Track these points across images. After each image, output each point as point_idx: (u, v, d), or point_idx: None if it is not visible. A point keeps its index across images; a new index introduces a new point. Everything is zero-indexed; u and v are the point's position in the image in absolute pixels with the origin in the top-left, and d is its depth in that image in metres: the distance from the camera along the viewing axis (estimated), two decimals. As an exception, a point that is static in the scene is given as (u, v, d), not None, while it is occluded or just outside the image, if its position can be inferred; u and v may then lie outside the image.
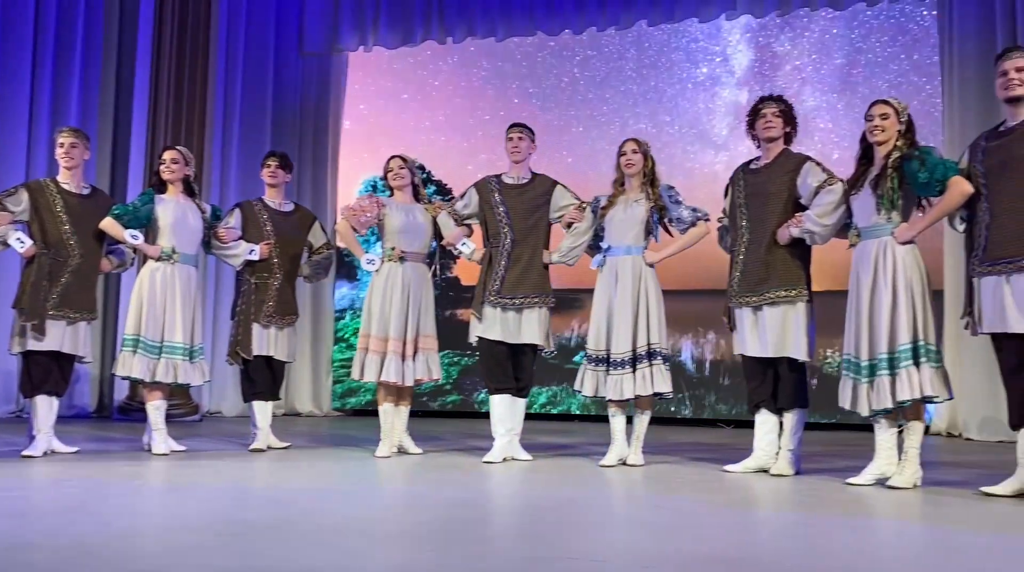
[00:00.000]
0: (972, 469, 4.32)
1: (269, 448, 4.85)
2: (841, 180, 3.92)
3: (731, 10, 7.17)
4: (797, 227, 3.95)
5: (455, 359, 7.69)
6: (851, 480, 3.69)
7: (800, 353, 3.97)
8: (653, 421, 4.46)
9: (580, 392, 4.36)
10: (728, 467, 4.13)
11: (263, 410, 4.88)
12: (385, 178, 4.85)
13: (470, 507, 3.21)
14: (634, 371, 4.23)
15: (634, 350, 4.24)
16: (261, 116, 7.88)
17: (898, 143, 3.69)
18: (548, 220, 4.63)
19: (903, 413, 3.63)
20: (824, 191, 3.92)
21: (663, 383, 4.22)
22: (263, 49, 7.95)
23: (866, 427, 3.94)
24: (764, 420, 4.11)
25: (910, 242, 3.64)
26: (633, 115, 7.64)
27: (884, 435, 3.68)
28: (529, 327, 4.49)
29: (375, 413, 4.78)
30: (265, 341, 4.84)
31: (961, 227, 3.66)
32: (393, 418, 4.65)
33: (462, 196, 4.77)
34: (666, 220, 4.40)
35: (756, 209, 4.10)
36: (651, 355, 4.24)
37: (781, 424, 4.07)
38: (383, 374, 4.52)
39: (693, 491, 3.56)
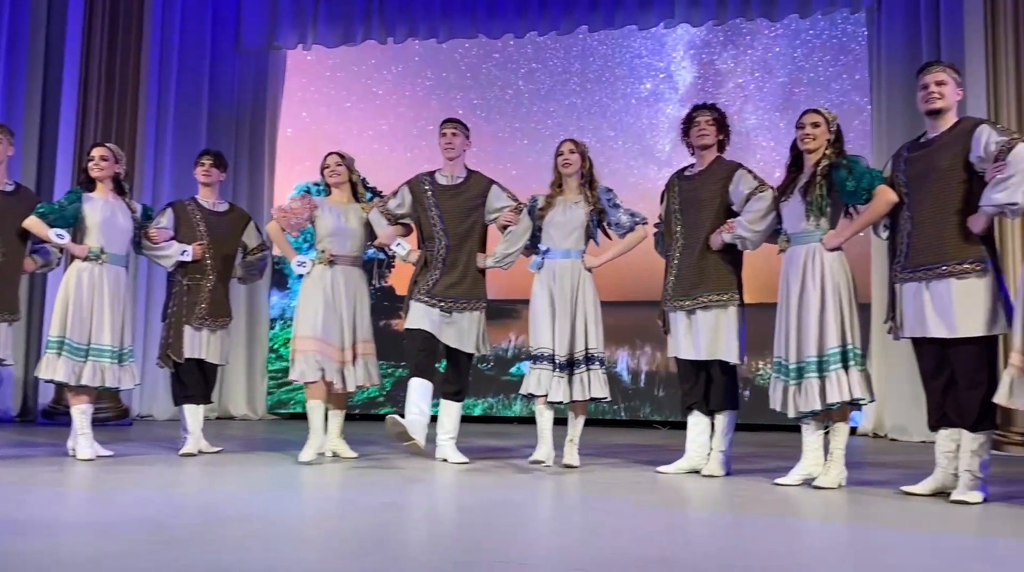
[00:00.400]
0: (894, 469, 4.46)
1: (200, 452, 4.74)
2: (772, 187, 4.04)
3: (669, 18, 7.28)
4: (729, 233, 4.04)
5: (389, 370, 7.57)
6: (779, 480, 3.78)
7: (731, 356, 4.05)
8: (589, 423, 4.50)
9: (530, 393, 4.28)
10: (661, 468, 4.18)
11: (194, 414, 4.76)
12: (322, 175, 4.80)
13: (402, 510, 3.19)
14: (571, 376, 4.26)
15: (571, 355, 4.27)
16: (196, 113, 7.67)
17: (827, 151, 3.81)
18: (484, 222, 4.62)
19: (829, 415, 3.74)
20: (755, 198, 4.02)
21: (600, 388, 4.25)
22: (199, 44, 7.75)
23: (794, 428, 4.03)
24: (696, 422, 4.18)
25: (838, 248, 3.75)
26: (577, 129, 7.63)
27: (811, 437, 3.78)
28: (460, 331, 4.47)
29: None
30: (197, 344, 4.74)
31: (884, 234, 3.78)
32: (321, 415, 4.51)
33: (395, 194, 4.70)
34: (605, 224, 4.44)
35: (690, 215, 4.18)
36: (588, 360, 4.26)
37: (713, 426, 4.14)
38: (327, 374, 4.44)
39: (626, 492, 3.60)
